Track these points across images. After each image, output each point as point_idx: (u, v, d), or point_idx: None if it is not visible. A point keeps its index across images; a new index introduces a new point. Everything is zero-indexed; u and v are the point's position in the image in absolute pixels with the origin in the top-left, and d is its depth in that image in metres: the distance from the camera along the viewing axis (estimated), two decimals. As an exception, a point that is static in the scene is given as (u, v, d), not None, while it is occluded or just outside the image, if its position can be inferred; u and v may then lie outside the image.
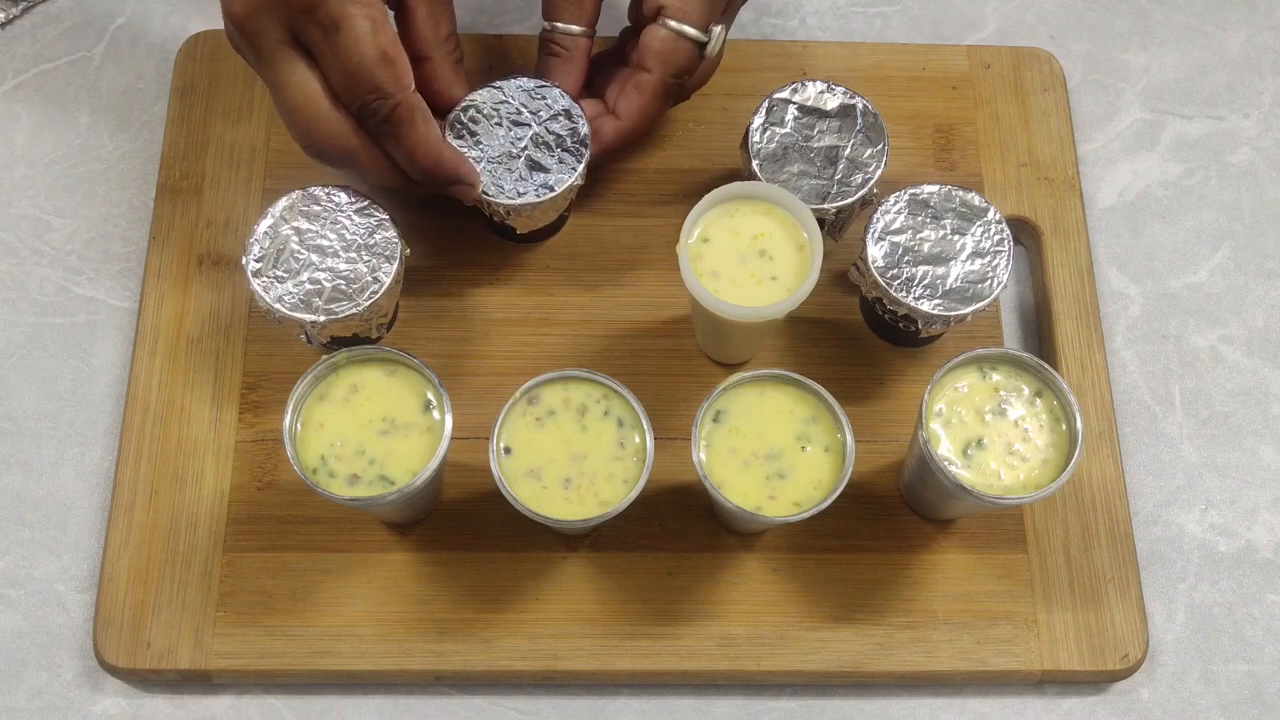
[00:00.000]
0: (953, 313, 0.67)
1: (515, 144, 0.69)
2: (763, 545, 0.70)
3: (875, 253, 0.68)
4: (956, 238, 0.68)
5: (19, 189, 0.78)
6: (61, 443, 0.73)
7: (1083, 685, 0.70)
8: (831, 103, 0.71)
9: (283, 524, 0.69)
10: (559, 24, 0.70)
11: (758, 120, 0.70)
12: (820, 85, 0.71)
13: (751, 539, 0.70)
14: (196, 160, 0.76)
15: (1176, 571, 0.72)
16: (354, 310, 0.66)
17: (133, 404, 0.71)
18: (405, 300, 0.74)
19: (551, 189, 0.68)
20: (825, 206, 0.69)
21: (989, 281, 0.68)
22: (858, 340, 0.74)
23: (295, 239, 0.67)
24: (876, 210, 0.69)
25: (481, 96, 0.70)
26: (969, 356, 0.65)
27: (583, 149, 0.69)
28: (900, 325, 0.69)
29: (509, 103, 0.70)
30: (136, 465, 0.70)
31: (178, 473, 0.70)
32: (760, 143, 0.70)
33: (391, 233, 0.68)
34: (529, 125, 0.69)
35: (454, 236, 0.75)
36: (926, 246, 0.68)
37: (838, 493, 0.62)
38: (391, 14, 0.66)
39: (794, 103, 0.71)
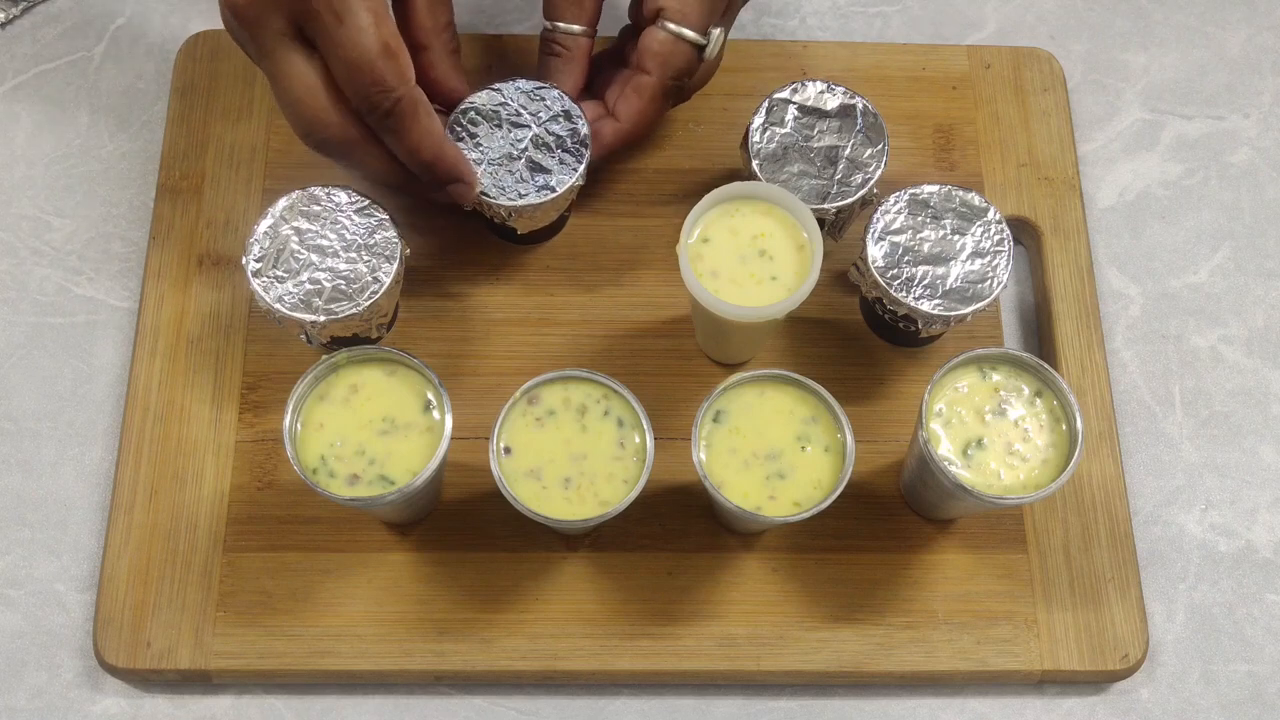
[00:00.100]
0: (953, 313, 0.67)
1: (515, 145, 0.69)
2: (763, 545, 0.70)
3: (875, 253, 0.68)
4: (956, 238, 0.68)
5: (19, 189, 0.78)
6: (61, 443, 0.73)
7: (1083, 685, 0.70)
8: (831, 103, 0.71)
9: (283, 524, 0.69)
10: (560, 23, 0.70)
11: (758, 120, 0.70)
12: (820, 85, 0.71)
13: (751, 539, 0.70)
14: (196, 160, 0.76)
15: (1176, 571, 0.72)
16: (354, 310, 0.66)
17: (133, 404, 0.71)
18: (405, 300, 0.74)
19: (553, 190, 0.68)
20: (825, 206, 0.69)
21: (989, 281, 0.68)
22: (858, 340, 0.74)
23: (295, 239, 0.67)
24: (876, 210, 0.69)
25: (481, 99, 0.70)
26: (969, 356, 0.65)
27: (583, 149, 0.69)
28: (900, 325, 0.69)
29: (508, 104, 0.70)
30: (136, 465, 0.70)
31: (178, 473, 0.70)
32: (760, 143, 0.70)
33: (391, 233, 0.68)
34: (529, 127, 0.69)
35: (454, 236, 0.75)
36: (926, 246, 0.68)
37: (838, 493, 0.62)
38: (390, 2, 0.66)
39: (794, 103, 0.71)
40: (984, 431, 0.64)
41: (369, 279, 0.67)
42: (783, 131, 0.70)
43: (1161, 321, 0.77)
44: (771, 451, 0.64)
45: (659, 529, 0.70)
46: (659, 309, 0.74)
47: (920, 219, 0.69)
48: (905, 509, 0.71)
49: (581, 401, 0.64)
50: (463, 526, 0.70)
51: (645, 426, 0.63)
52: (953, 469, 0.63)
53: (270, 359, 0.72)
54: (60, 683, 0.68)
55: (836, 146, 0.70)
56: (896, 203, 0.69)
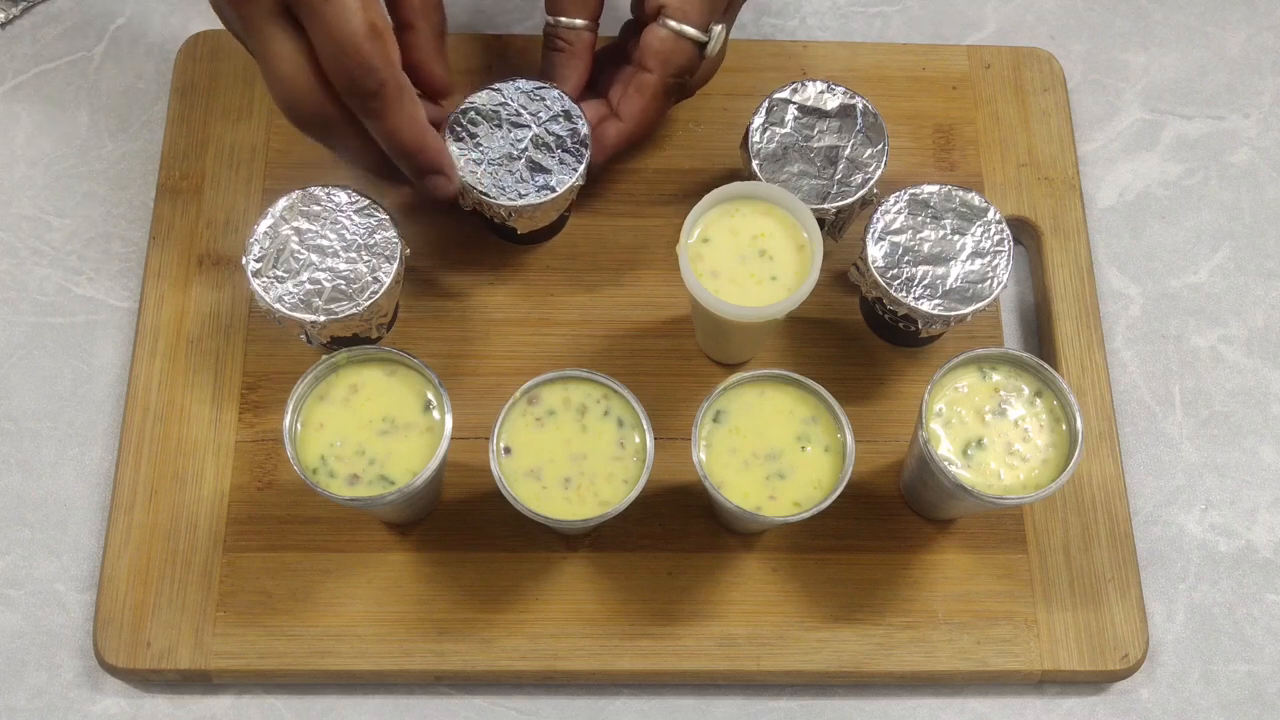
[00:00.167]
0: (953, 313, 0.67)
1: (515, 145, 0.69)
2: (763, 545, 0.70)
3: (875, 253, 0.68)
4: (956, 238, 0.68)
5: (19, 189, 0.78)
6: (61, 443, 0.73)
7: (1083, 685, 0.70)
8: (831, 103, 0.71)
9: (283, 524, 0.69)
10: (562, 19, 0.70)
11: (758, 120, 0.70)
12: (820, 85, 0.71)
13: (751, 539, 0.70)
14: (196, 160, 0.76)
15: (1176, 571, 0.72)
16: (354, 310, 0.66)
17: (133, 404, 0.71)
18: (405, 300, 0.74)
19: (553, 190, 0.68)
20: (825, 206, 0.69)
21: (989, 281, 0.68)
22: (858, 340, 0.74)
23: (295, 239, 0.67)
24: (876, 210, 0.69)
25: (481, 99, 0.70)
26: (969, 356, 0.65)
27: (583, 149, 0.69)
28: (900, 325, 0.69)
29: (508, 104, 0.70)
30: (136, 465, 0.70)
31: (178, 473, 0.70)
32: (760, 143, 0.70)
33: (391, 233, 0.68)
34: (529, 126, 0.69)
35: (454, 236, 0.75)
36: (926, 246, 0.68)
37: (838, 493, 0.62)
38: None
39: (794, 103, 0.71)
40: (984, 431, 0.64)
41: (369, 279, 0.67)
42: (783, 131, 0.70)
43: (1161, 321, 0.77)
44: (771, 451, 0.64)
45: (659, 529, 0.70)
46: (659, 309, 0.74)
47: (920, 219, 0.69)
48: (905, 509, 0.71)
49: (581, 401, 0.64)
50: (463, 526, 0.70)
51: (645, 426, 0.63)
52: (953, 469, 0.63)
53: (270, 359, 0.72)
54: (60, 683, 0.68)
55: (836, 146, 0.70)
56: (896, 203, 0.69)
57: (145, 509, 0.69)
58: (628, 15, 0.73)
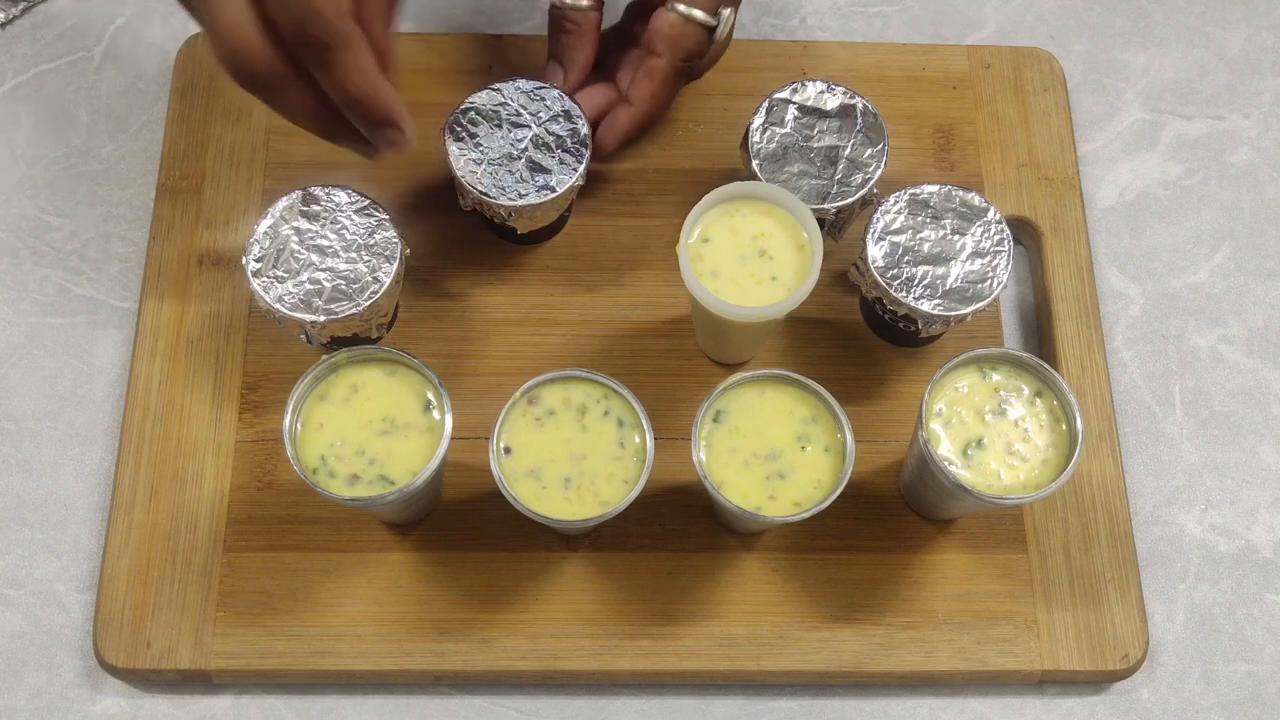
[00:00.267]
0: (953, 313, 0.67)
1: (515, 145, 0.69)
2: (763, 545, 0.70)
3: (875, 253, 0.68)
4: (956, 238, 0.68)
5: (19, 189, 0.78)
6: (61, 443, 0.73)
7: (1083, 685, 0.70)
8: (831, 103, 0.71)
9: (283, 524, 0.69)
10: (568, 0, 0.70)
11: (758, 120, 0.70)
12: (820, 85, 0.71)
13: (751, 539, 0.70)
14: (196, 160, 0.76)
15: (1176, 571, 0.72)
16: (354, 310, 0.66)
17: (133, 404, 0.71)
18: (405, 300, 0.74)
19: (553, 190, 0.69)
20: (825, 206, 0.69)
21: (989, 281, 0.68)
22: (858, 340, 0.74)
23: (295, 239, 0.67)
24: (876, 210, 0.69)
25: (481, 99, 0.70)
26: (969, 356, 0.65)
27: (583, 149, 0.69)
28: (900, 325, 0.69)
29: (508, 104, 0.70)
30: (136, 465, 0.70)
31: (178, 473, 0.70)
32: (760, 143, 0.70)
33: (391, 233, 0.68)
34: (529, 127, 0.69)
35: (454, 236, 0.75)
36: (926, 246, 0.68)
37: (838, 493, 0.62)
38: None
39: (794, 103, 0.71)
40: (984, 431, 0.64)
41: (369, 279, 0.67)
42: (783, 131, 0.70)
43: (1161, 321, 0.77)
44: (771, 451, 0.64)
45: (659, 529, 0.70)
46: (659, 309, 0.74)
47: (920, 219, 0.69)
48: (905, 509, 0.71)
49: (581, 401, 0.64)
50: (463, 526, 0.70)
51: (645, 426, 0.63)
52: (953, 469, 0.63)
53: (270, 359, 0.72)
54: (60, 683, 0.68)
55: (836, 146, 0.70)
56: (896, 203, 0.69)
57: (145, 509, 0.69)
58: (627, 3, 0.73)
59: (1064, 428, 0.64)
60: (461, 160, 0.69)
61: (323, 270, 0.67)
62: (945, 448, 0.64)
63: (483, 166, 0.69)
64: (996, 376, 0.65)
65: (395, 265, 0.67)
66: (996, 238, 0.68)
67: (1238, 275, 0.79)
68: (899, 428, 0.72)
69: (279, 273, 0.67)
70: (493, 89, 0.70)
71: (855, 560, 0.70)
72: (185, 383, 0.72)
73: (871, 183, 0.69)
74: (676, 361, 0.73)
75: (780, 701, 0.69)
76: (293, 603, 0.68)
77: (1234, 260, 0.79)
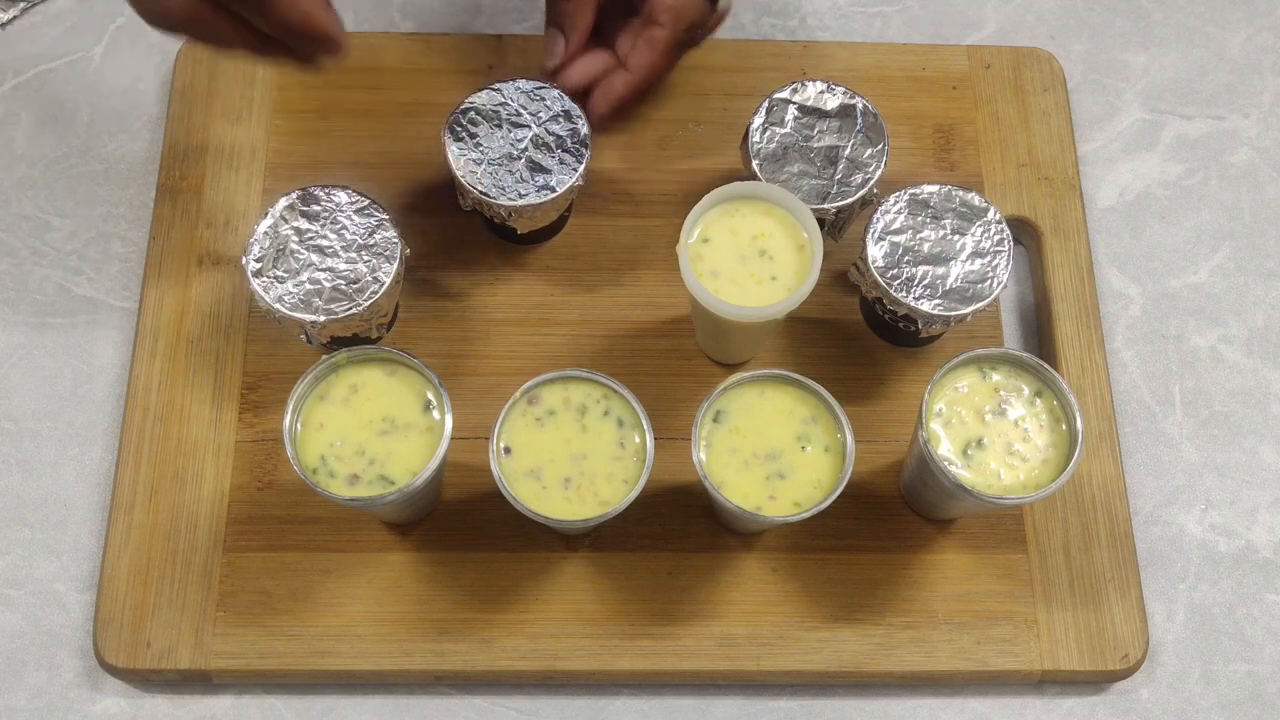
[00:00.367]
0: (953, 313, 0.67)
1: (515, 145, 0.69)
2: (763, 545, 0.70)
3: (875, 253, 0.68)
4: (956, 238, 0.68)
5: (19, 189, 0.78)
6: (61, 443, 0.73)
7: (1083, 685, 0.70)
8: (831, 103, 0.71)
9: (283, 524, 0.69)
10: None
11: (758, 120, 0.70)
12: (820, 85, 0.71)
13: (751, 539, 0.70)
14: (196, 160, 0.76)
15: (1176, 571, 0.72)
16: (354, 310, 0.66)
17: (133, 404, 0.71)
18: (405, 300, 0.74)
19: (553, 190, 0.69)
20: (825, 206, 0.69)
21: (989, 281, 0.68)
22: (858, 340, 0.74)
23: (295, 239, 0.67)
24: (876, 210, 0.69)
25: (481, 99, 0.70)
26: (969, 356, 0.65)
27: (583, 149, 0.69)
28: (900, 325, 0.69)
29: (508, 104, 0.70)
30: (136, 465, 0.70)
31: (178, 473, 0.70)
32: (760, 143, 0.70)
33: (391, 233, 0.68)
34: (529, 127, 0.69)
35: (454, 236, 0.75)
36: (926, 246, 0.68)
37: (838, 493, 0.62)
38: None
39: (794, 103, 0.71)
40: (984, 431, 0.64)
41: (369, 279, 0.67)
42: (783, 131, 0.70)
43: (1161, 321, 0.77)
44: (771, 451, 0.64)
45: (659, 529, 0.70)
46: (659, 309, 0.74)
47: (920, 219, 0.69)
48: (905, 509, 0.71)
49: (581, 401, 0.64)
50: (463, 526, 0.70)
51: (645, 426, 0.63)
52: (953, 469, 0.63)
53: (270, 359, 0.72)
54: (60, 683, 0.68)
55: (836, 146, 0.70)
56: (896, 203, 0.69)
57: (145, 509, 0.69)
58: None
59: (1064, 428, 0.64)
60: (461, 160, 0.69)
61: (323, 270, 0.67)
62: (945, 448, 0.64)
63: (483, 166, 0.69)
64: (996, 376, 0.65)
65: (395, 265, 0.67)
66: (996, 238, 0.68)
67: (1238, 275, 0.79)
68: (899, 428, 0.72)
69: (279, 273, 0.67)
70: (493, 89, 0.70)
71: (855, 560, 0.70)
72: (185, 383, 0.72)
73: (871, 183, 0.69)
74: (676, 361, 0.73)
75: (780, 701, 0.69)
76: (293, 603, 0.68)
77: (1234, 260, 0.79)
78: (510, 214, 0.69)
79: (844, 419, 0.63)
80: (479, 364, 0.73)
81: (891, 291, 0.67)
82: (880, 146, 0.70)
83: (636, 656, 0.67)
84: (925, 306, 0.67)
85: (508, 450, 0.63)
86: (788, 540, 0.70)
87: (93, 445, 0.73)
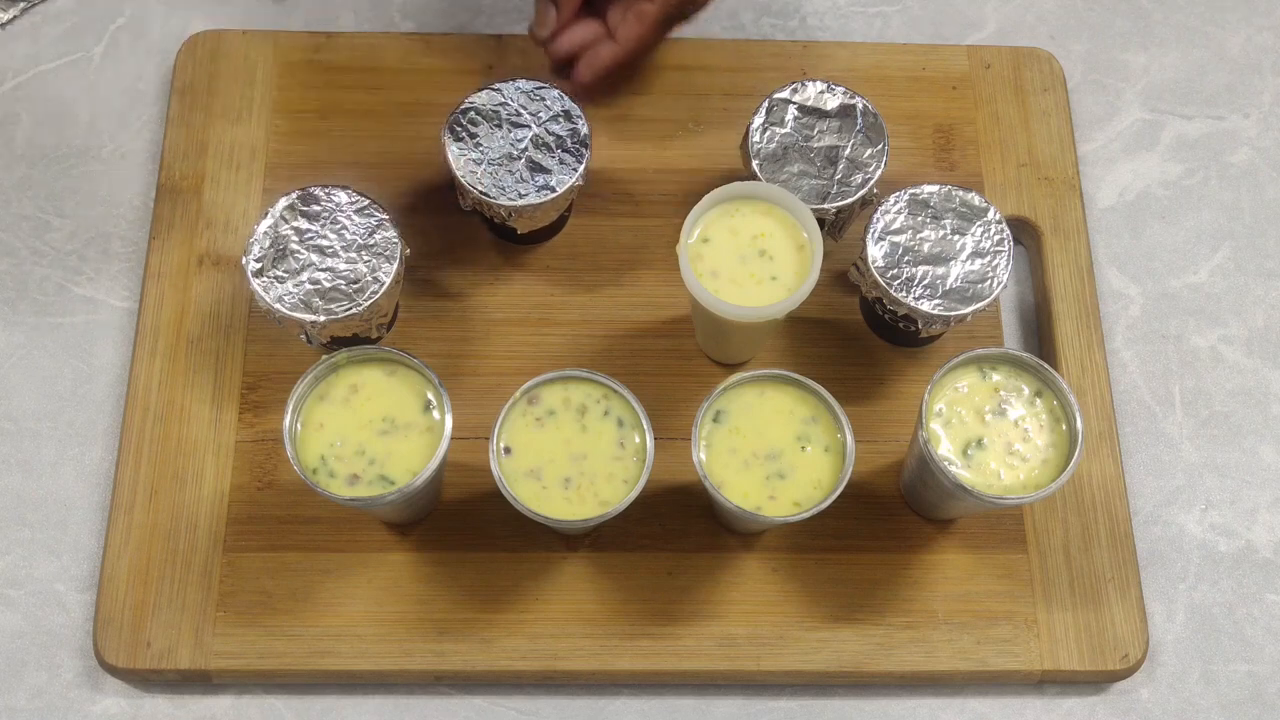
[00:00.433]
0: (953, 313, 0.67)
1: (515, 145, 0.69)
2: (763, 545, 0.70)
3: (875, 253, 0.68)
4: (956, 238, 0.68)
5: (19, 189, 0.78)
6: (61, 443, 0.73)
7: (1083, 685, 0.70)
8: (831, 103, 0.71)
9: (283, 524, 0.69)
10: None
11: (758, 120, 0.70)
12: (820, 85, 0.71)
13: (751, 539, 0.70)
14: (196, 160, 0.76)
15: (1176, 571, 0.72)
16: (354, 310, 0.66)
17: (133, 404, 0.71)
18: (405, 300, 0.74)
19: (553, 190, 0.69)
20: (825, 206, 0.69)
21: (989, 281, 0.68)
22: (858, 340, 0.74)
23: (295, 239, 0.67)
24: (876, 210, 0.69)
25: (481, 99, 0.70)
26: (969, 356, 0.65)
27: (583, 149, 0.69)
28: (900, 325, 0.69)
29: (508, 104, 0.70)
30: (136, 465, 0.70)
31: (178, 473, 0.70)
32: (760, 143, 0.70)
33: (391, 233, 0.68)
34: (529, 127, 0.69)
35: (454, 236, 0.75)
36: (926, 246, 0.68)
37: (838, 493, 0.62)
38: None
39: (794, 103, 0.71)
40: (984, 431, 0.64)
41: (369, 279, 0.67)
42: (783, 131, 0.70)
43: (1161, 321, 0.77)
44: (771, 451, 0.64)
45: (659, 529, 0.70)
46: (659, 309, 0.74)
47: (920, 219, 0.69)
48: (905, 509, 0.71)
49: (581, 401, 0.64)
50: (463, 526, 0.70)
51: (645, 426, 0.63)
52: (953, 469, 0.63)
53: (270, 359, 0.72)
54: (60, 683, 0.68)
55: (836, 146, 0.70)
56: (896, 203, 0.69)
57: (145, 509, 0.69)
58: None
59: (1064, 428, 0.64)
60: (461, 160, 0.69)
61: (323, 270, 0.67)
62: (945, 448, 0.64)
63: (483, 166, 0.69)
64: (996, 376, 0.65)
65: (395, 265, 0.67)
66: (996, 238, 0.68)
67: (1238, 275, 0.79)
68: (899, 428, 0.72)
69: (279, 273, 0.67)
70: (493, 89, 0.70)
71: (855, 560, 0.70)
72: (185, 383, 0.72)
73: (871, 183, 0.69)
74: (676, 361, 0.73)
75: (780, 701, 0.69)
76: (293, 603, 0.68)
77: (1234, 260, 0.79)
78: (510, 214, 0.69)
79: (844, 419, 0.63)
80: (479, 364, 0.73)
81: (891, 291, 0.67)
82: (880, 146, 0.70)
83: (636, 656, 0.67)
84: (925, 306, 0.67)
85: (508, 450, 0.63)
86: (788, 540, 0.70)
87: (93, 445, 0.73)
